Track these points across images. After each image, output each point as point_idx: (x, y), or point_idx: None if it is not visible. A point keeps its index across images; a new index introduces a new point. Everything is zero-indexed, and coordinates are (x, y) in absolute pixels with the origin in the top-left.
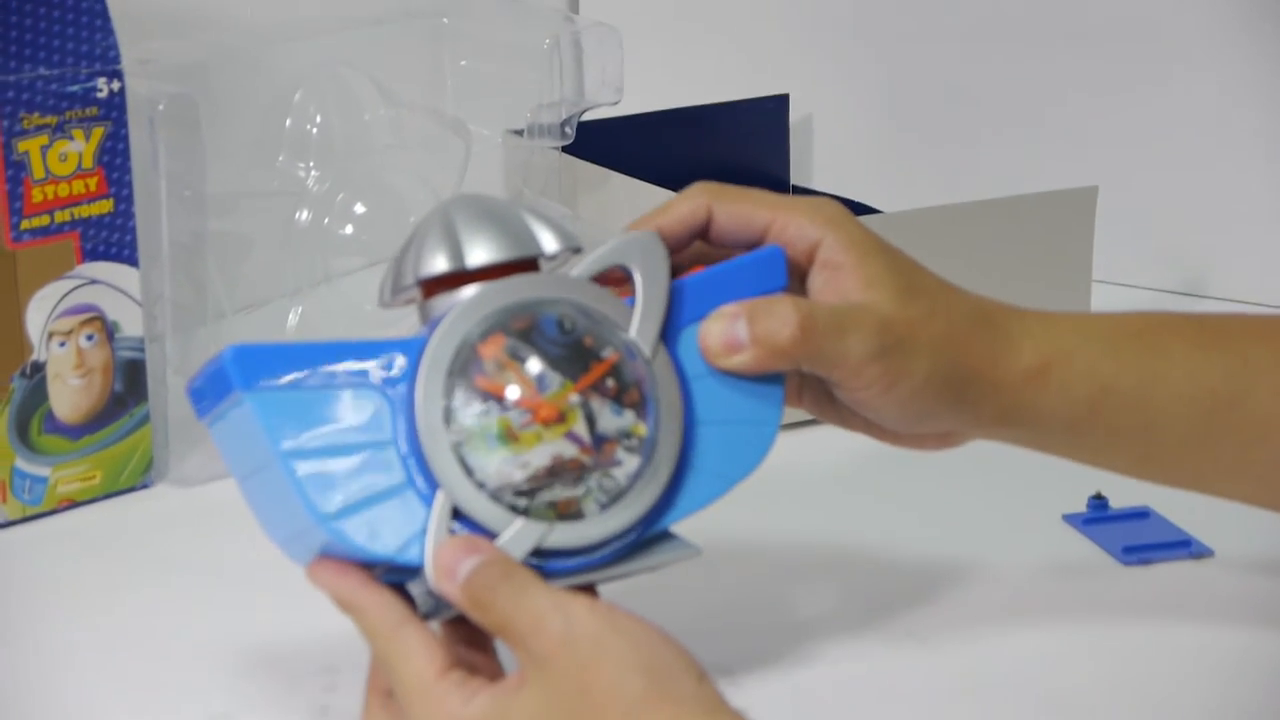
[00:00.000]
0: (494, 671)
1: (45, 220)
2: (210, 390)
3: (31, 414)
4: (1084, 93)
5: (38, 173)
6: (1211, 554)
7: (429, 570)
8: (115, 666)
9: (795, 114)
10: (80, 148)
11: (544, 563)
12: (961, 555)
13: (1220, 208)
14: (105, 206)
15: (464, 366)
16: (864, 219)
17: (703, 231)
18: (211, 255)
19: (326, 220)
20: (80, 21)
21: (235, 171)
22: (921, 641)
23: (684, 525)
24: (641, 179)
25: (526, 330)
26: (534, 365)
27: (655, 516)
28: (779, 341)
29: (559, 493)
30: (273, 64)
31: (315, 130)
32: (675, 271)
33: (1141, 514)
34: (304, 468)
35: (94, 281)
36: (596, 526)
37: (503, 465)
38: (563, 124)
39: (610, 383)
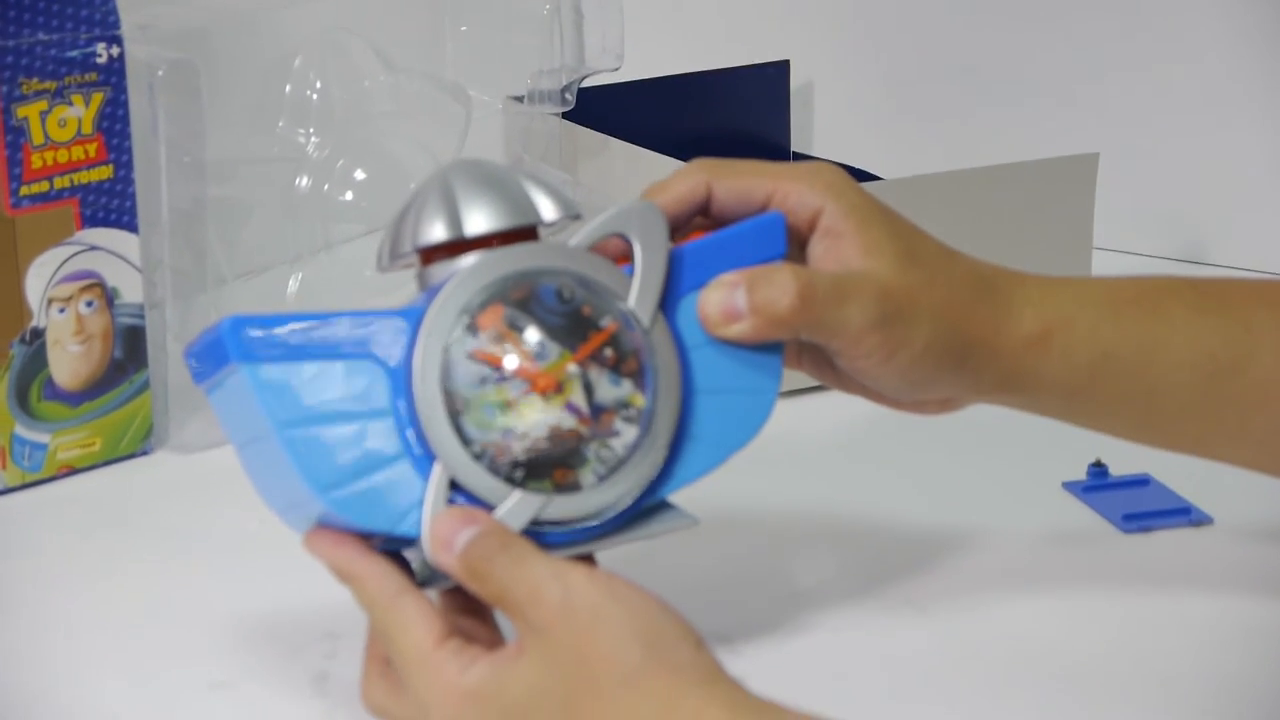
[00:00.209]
0: (493, 640)
1: (45, 186)
2: (207, 359)
3: (31, 380)
4: (1085, 58)
5: (37, 138)
6: (1211, 521)
7: (426, 542)
8: (114, 634)
9: (796, 80)
10: (80, 113)
11: (541, 533)
12: (961, 523)
13: (1221, 174)
14: (105, 172)
15: (462, 337)
16: (865, 186)
17: (703, 208)
18: (211, 221)
19: (326, 186)
20: None
21: (235, 137)
22: (920, 609)
23: (682, 493)
24: (642, 145)
25: (525, 300)
26: (532, 335)
27: (653, 487)
28: (778, 310)
29: (556, 464)
30: (272, 30)
31: (315, 96)
32: (674, 237)
33: (1141, 481)
34: (301, 439)
35: (94, 248)
36: (594, 498)
37: (500, 436)
38: (563, 90)
39: (608, 352)
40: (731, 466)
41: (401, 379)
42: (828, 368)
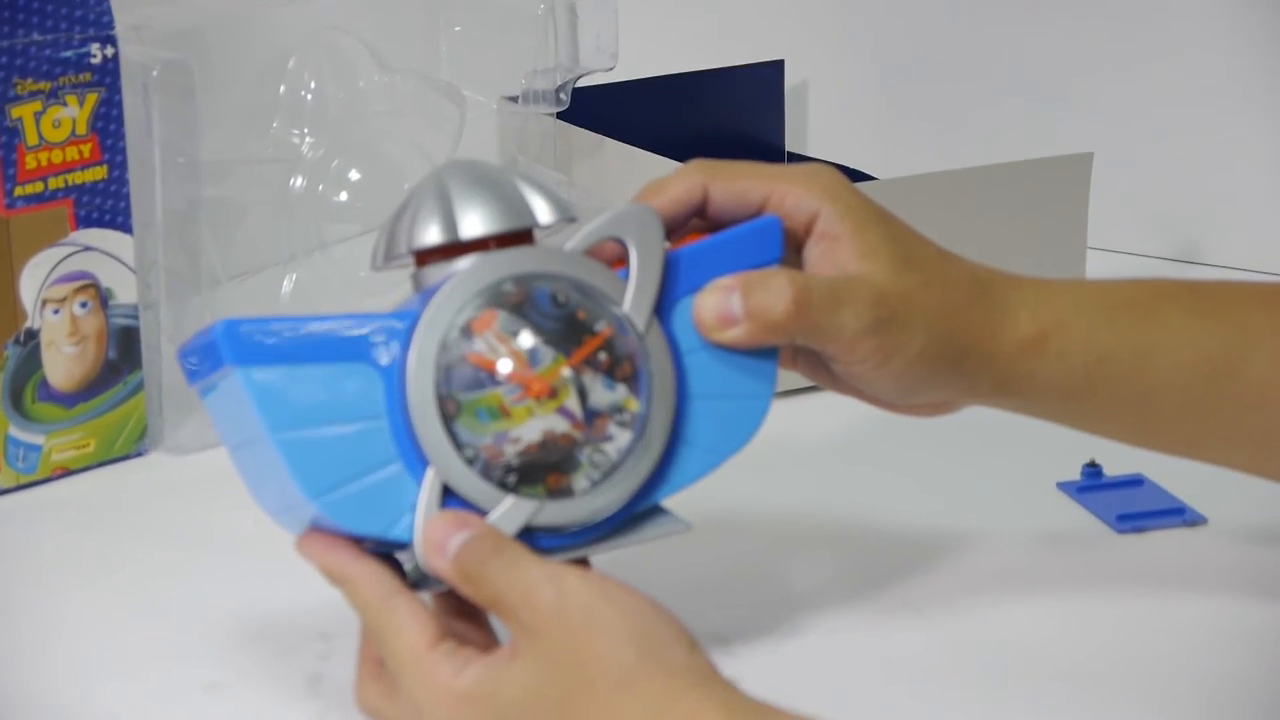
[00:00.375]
0: (486, 643)
1: (39, 187)
2: (201, 361)
3: (25, 382)
4: (1079, 58)
5: (31, 139)
6: (1205, 521)
7: (418, 546)
8: (109, 635)
9: (790, 80)
10: (74, 114)
11: (534, 538)
12: (956, 523)
13: (1215, 174)
14: (99, 173)
15: (456, 341)
16: (860, 186)
17: (699, 210)
18: (206, 222)
19: (321, 187)
20: None
21: (230, 138)
22: (916, 610)
23: (676, 495)
24: (636, 145)
25: (519, 304)
26: (526, 340)
27: (646, 492)
28: (773, 316)
29: (550, 469)
30: (267, 30)
31: (310, 96)
32: (670, 238)
33: (1135, 481)
34: (294, 442)
35: (88, 248)
36: (587, 504)
37: (493, 440)
38: (557, 90)
39: (603, 357)
40: (726, 467)
41: (395, 382)
42: (822, 370)
